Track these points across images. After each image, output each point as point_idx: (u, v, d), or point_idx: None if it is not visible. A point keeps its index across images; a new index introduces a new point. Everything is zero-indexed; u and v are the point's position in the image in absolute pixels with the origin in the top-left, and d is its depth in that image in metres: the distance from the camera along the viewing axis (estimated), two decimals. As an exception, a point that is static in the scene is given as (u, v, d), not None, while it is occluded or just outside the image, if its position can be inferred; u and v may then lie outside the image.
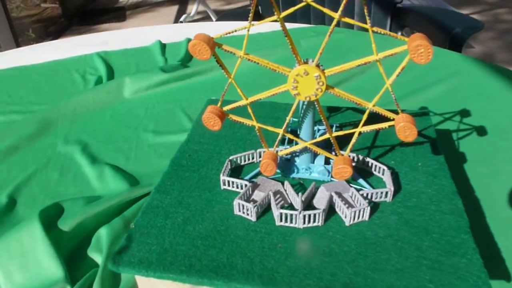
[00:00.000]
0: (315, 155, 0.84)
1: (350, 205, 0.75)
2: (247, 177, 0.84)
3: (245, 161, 0.88)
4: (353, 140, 0.75)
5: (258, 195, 0.78)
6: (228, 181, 0.81)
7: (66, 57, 1.61)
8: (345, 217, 0.73)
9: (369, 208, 0.73)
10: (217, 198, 0.80)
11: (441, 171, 0.83)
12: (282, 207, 0.75)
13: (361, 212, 0.73)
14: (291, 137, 0.78)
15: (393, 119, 0.72)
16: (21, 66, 1.53)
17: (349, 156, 0.78)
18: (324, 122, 0.73)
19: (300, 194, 0.75)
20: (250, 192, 0.79)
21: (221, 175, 0.81)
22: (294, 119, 0.99)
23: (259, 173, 0.84)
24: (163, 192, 0.81)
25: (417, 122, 1.00)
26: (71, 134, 1.17)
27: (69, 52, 1.63)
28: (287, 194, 0.79)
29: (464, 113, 1.13)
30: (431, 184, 0.80)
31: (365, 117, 0.73)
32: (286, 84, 0.70)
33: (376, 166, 0.83)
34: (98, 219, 0.82)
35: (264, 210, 0.76)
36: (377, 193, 0.77)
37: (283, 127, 0.76)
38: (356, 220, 0.73)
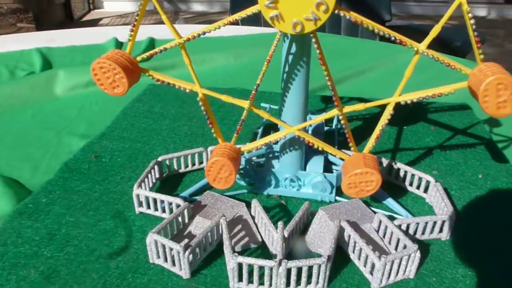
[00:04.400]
0: (308, 155, 0.46)
1: (378, 248, 0.37)
2: (185, 193, 0.45)
3: (186, 165, 0.49)
4: (382, 122, 0.38)
5: (198, 227, 0.39)
6: (148, 199, 0.41)
7: (1, 52, 1.24)
8: (371, 272, 0.35)
9: (418, 254, 0.35)
10: (123, 230, 0.40)
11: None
12: (243, 251, 0.36)
13: (404, 263, 0.34)
14: (272, 118, 0.40)
15: (467, 75, 0.34)
16: None
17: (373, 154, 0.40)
18: (329, 83, 0.36)
19: (280, 224, 0.36)
20: (185, 221, 0.40)
21: (135, 187, 0.42)
22: (272, 106, 0.61)
23: (206, 186, 0.45)
24: (29, 217, 0.42)
25: (459, 118, 0.63)
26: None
27: (8, 47, 1.27)
28: (255, 224, 0.40)
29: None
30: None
31: (403, 83, 0.36)
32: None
33: (413, 176, 0.46)
34: None
35: (210, 256, 0.37)
36: (426, 224, 0.39)
37: (250, 97, 0.38)
38: (393, 280, 0.35)
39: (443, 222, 0.39)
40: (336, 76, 0.83)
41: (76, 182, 0.48)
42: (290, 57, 0.38)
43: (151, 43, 1.10)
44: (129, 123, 0.61)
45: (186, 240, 0.36)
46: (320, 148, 0.39)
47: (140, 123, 0.61)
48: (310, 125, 0.55)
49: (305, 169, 0.45)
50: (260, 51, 0.99)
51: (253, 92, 0.38)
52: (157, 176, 0.47)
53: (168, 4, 3.70)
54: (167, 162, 0.47)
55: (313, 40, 0.34)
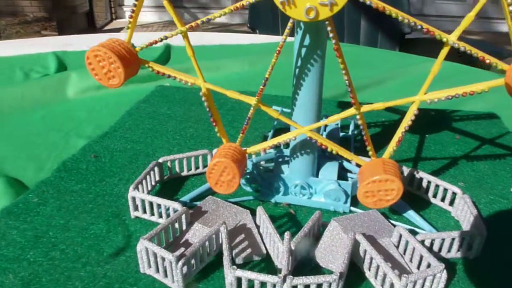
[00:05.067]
0: (320, 161, 0.42)
1: (397, 266, 0.32)
2: (185, 198, 0.41)
3: (189, 168, 0.45)
4: (405, 123, 0.33)
5: (196, 235, 0.35)
6: (144, 202, 0.38)
7: (17, 55, 1.24)
8: (389, 293, 0.30)
9: (444, 274, 0.30)
10: (116, 235, 0.37)
11: None
12: (244, 264, 0.32)
13: (427, 284, 0.30)
14: (281, 117, 0.36)
15: (505, 71, 0.30)
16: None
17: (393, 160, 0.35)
18: (345, 78, 0.32)
19: (286, 235, 0.32)
20: (182, 227, 0.36)
21: (130, 189, 0.38)
22: (284, 110, 0.57)
23: (208, 191, 0.41)
24: (17, 217, 0.38)
25: (486, 127, 0.58)
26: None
27: (26, 51, 1.27)
28: (259, 234, 0.36)
29: None
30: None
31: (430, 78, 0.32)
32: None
33: (437, 187, 0.41)
34: None
35: (208, 267, 0.33)
36: (453, 240, 0.34)
37: (258, 93, 0.35)
38: (414, 303, 0.30)
39: (472, 238, 0.35)
40: (355, 84, 0.79)
41: (71, 182, 0.44)
42: (303, 50, 0.35)
43: (167, 49, 1.09)
44: (134, 124, 0.58)
45: (181, 249, 0.33)
46: (334, 152, 0.35)
47: (145, 124, 0.57)
48: (325, 130, 0.51)
49: (317, 176, 0.41)
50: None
51: (261, 86, 0.34)
52: (157, 178, 0.43)
53: (188, 15, 3.72)
54: (169, 164, 0.44)
55: (329, 28, 0.30)
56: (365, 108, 0.34)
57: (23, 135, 0.75)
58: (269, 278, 0.28)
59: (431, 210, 0.41)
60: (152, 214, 0.38)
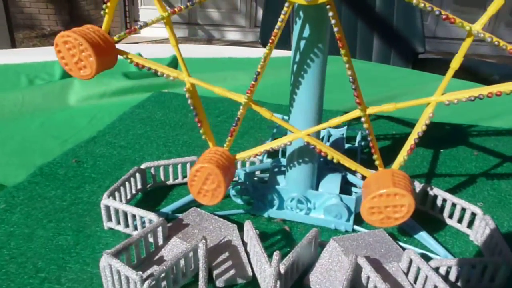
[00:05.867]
0: (321, 173, 0.37)
1: (407, 298, 0.27)
2: (166, 209, 0.37)
3: (176, 177, 0.41)
4: (418, 128, 0.29)
5: (173, 251, 0.30)
6: (117, 211, 0.33)
7: (24, 62, 1.23)
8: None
9: (464, 311, 0.25)
10: (83, 249, 0.32)
11: None
12: (226, 287, 0.27)
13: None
14: (275, 118, 0.31)
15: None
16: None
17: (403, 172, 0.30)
18: (349, 73, 0.27)
19: (276, 255, 0.27)
20: (158, 242, 0.31)
21: (104, 196, 0.34)
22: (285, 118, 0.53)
23: (193, 203, 0.36)
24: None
25: (507, 143, 0.53)
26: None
27: (33, 59, 1.27)
28: (247, 253, 0.31)
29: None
30: None
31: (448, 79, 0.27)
32: None
33: (454, 206, 0.36)
34: None
35: (183, 289, 0.28)
36: (473, 268, 0.29)
37: (248, 90, 0.30)
38: None
39: (497, 267, 0.29)
40: (365, 100, 0.75)
41: (46, 188, 0.40)
42: (302, 43, 0.30)
43: (174, 60, 1.06)
44: (124, 129, 0.53)
45: (154, 268, 0.28)
46: (335, 160, 0.30)
47: (136, 129, 0.53)
48: (328, 140, 0.46)
49: (317, 189, 0.36)
50: (285, 73, 0.92)
51: (253, 82, 0.30)
52: (139, 187, 0.38)
53: (202, 32, 3.74)
54: (152, 171, 0.39)
55: (330, 14, 0.26)
56: (372, 110, 0.29)
57: (19, 141, 0.72)
58: (249, 307, 0.23)
59: (447, 232, 0.36)
60: (127, 226, 0.33)
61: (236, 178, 0.38)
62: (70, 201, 0.38)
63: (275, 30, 0.28)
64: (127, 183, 0.37)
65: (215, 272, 0.29)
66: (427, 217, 0.37)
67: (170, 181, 0.40)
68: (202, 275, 0.25)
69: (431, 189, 0.37)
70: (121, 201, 0.36)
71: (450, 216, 0.36)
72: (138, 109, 0.60)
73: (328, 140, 0.46)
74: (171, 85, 0.93)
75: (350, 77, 0.27)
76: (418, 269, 0.28)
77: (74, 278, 0.30)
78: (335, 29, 0.26)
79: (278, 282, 0.26)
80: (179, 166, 0.40)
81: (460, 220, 0.36)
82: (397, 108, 0.28)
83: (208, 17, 3.70)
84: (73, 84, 0.94)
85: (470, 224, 0.35)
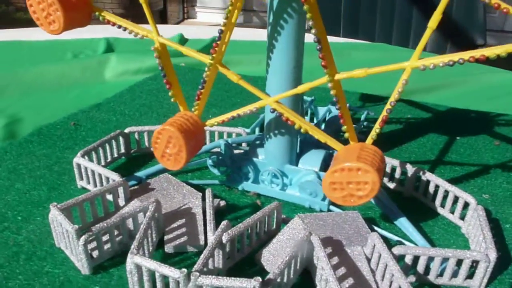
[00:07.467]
0: (305, 147, 0.34)
1: (360, 285, 0.24)
2: (141, 173, 0.36)
3: (161, 144, 0.40)
4: (392, 97, 0.25)
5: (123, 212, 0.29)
6: (87, 170, 0.33)
7: (71, 38, 1.29)
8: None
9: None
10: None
11: None
12: (175, 254, 0.26)
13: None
14: (242, 82, 0.29)
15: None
16: (19, 40, 1.24)
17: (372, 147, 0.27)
18: (310, 23, 0.24)
19: (223, 224, 0.25)
20: (117, 202, 0.30)
21: (78, 154, 0.33)
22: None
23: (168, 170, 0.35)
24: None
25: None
26: (10, 106, 0.75)
27: (82, 35, 1.33)
28: (204, 223, 0.29)
29: None
30: None
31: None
32: None
33: (446, 194, 0.32)
34: None
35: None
36: (445, 261, 0.25)
37: (213, 48, 0.28)
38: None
39: (475, 263, 0.25)
40: (407, 87, 0.69)
41: (38, 147, 0.41)
42: (275, 2, 0.28)
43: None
44: (130, 98, 0.54)
45: (100, 225, 0.27)
46: (303, 131, 0.28)
47: (142, 99, 0.53)
48: (324, 120, 0.43)
49: (296, 164, 0.34)
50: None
51: (217, 41, 0.28)
52: (122, 151, 0.38)
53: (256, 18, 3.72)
54: (136, 136, 0.39)
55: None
56: (341, 75, 0.26)
57: (53, 109, 0.74)
58: (170, 272, 0.21)
59: (437, 223, 0.32)
60: (96, 185, 0.33)
61: (218, 149, 0.37)
62: (55, 160, 0.38)
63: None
64: (107, 145, 0.36)
65: (166, 237, 0.28)
66: (419, 206, 0.33)
67: (155, 148, 0.39)
68: (138, 235, 0.24)
69: (424, 173, 0.33)
70: (99, 162, 0.35)
71: (442, 205, 0.32)
72: (150, 80, 0.60)
73: (325, 120, 0.43)
74: (202, 64, 0.92)
75: (314, 38, 0.24)
76: (380, 256, 0.25)
77: (33, 229, 0.30)
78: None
79: (221, 252, 0.24)
80: (164, 133, 0.39)
81: (451, 210, 0.32)
82: (368, 74, 0.25)
83: (263, 4, 3.68)
84: (110, 59, 0.96)
85: (463, 215, 0.31)
